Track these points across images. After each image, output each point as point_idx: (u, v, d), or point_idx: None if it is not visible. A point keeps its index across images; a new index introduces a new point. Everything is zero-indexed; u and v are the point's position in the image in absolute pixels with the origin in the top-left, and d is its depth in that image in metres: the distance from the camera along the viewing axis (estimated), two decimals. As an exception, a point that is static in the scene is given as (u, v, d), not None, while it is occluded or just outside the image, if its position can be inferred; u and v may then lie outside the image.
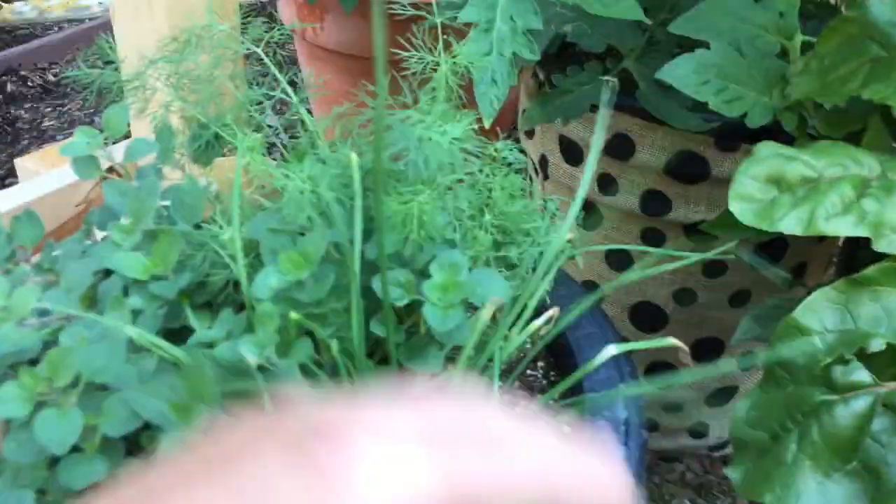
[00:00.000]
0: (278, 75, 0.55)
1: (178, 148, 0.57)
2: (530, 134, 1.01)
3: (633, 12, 0.62)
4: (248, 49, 0.59)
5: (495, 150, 0.48)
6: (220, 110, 0.55)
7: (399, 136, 0.42)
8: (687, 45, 0.74)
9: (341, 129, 0.56)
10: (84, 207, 1.20)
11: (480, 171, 0.47)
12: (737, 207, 0.52)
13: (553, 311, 0.51)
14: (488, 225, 0.44)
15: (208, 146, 0.55)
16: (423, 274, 0.42)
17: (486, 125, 0.60)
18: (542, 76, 0.93)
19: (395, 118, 0.44)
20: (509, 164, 0.52)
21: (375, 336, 0.44)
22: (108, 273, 0.43)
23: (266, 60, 0.55)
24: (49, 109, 1.78)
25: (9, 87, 1.83)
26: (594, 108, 0.85)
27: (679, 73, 0.62)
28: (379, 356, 0.48)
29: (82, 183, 1.16)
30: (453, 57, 0.52)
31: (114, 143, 0.56)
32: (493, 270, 0.44)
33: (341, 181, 0.43)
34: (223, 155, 0.57)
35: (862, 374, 0.45)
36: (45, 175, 1.17)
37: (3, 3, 1.96)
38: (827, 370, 0.46)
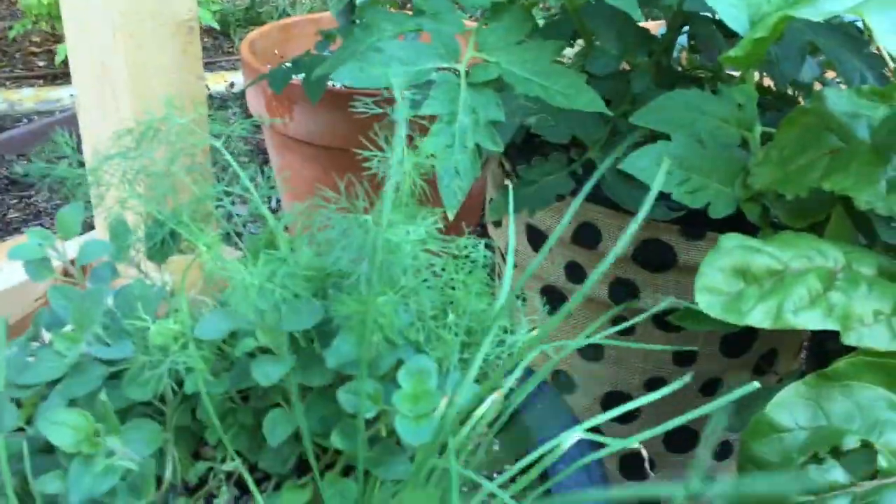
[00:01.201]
0: (239, 170, 0.54)
1: (134, 244, 0.56)
2: (497, 224, 1.01)
3: (594, 104, 0.62)
4: (211, 142, 0.59)
5: (458, 247, 0.47)
6: (177, 205, 0.54)
7: (359, 239, 0.41)
8: (650, 135, 0.75)
9: (302, 224, 0.56)
10: (43, 301, 1.17)
11: (443, 269, 0.46)
12: (703, 300, 0.52)
13: (497, 395, 0.50)
14: (452, 325, 0.43)
15: (164, 243, 0.53)
16: (386, 378, 0.41)
17: (450, 217, 0.59)
18: (507, 167, 0.93)
19: (355, 222, 0.43)
20: (472, 261, 0.51)
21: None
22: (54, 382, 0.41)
23: (227, 155, 0.55)
24: (14, 201, 1.76)
25: (-26, 179, 1.81)
26: (560, 197, 0.85)
27: (641, 164, 0.62)
28: (341, 465, 0.46)
29: (43, 276, 1.14)
30: (416, 154, 0.52)
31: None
32: (461, 375, 0.42)
33: (298, 279, 0.42)
34: (180, 251, 0.55)
35: (838, 474, 0.44)
36: (4, 269, 1.14)
37: (-29, 96, 1.96)
38: (802, 470, 0.44)
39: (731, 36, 0.84)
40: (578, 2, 0.79)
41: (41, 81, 2.35)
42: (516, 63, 0.61)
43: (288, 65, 1.14)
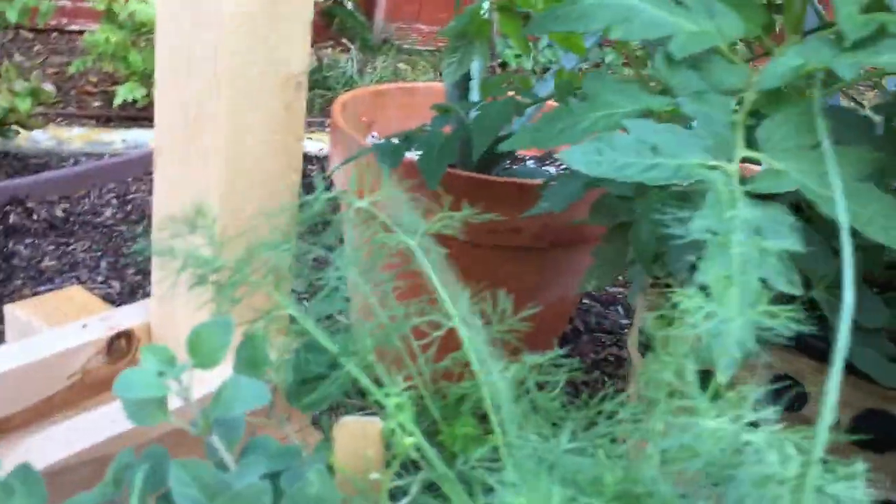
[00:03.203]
0: (440, 291, 0.37)
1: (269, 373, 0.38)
2: (644, 353, 0.82)
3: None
4: (407, 242, 0.42)
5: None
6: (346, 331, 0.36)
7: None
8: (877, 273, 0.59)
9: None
10: (78, 379, 0.99)
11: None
12: None
13: None
14: None
15: (323, 385, 0.35)
16: None
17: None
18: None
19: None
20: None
21: None
22: None
23: (422, 259, 0.37)
24: (52, 248, 1.60)
25: (11, 219, 1.65)
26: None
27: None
28: None
29: (79, 350, 0.96)
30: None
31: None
32: None
33: None
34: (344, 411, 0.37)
35: None
36: (38, 336, 0.96)
37: (20, 130, 1.82)
38: None
39: None
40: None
41: (93, 122, 2.22)
42: (811, 174, 0.44)
43: (396, 140, 0.98)
